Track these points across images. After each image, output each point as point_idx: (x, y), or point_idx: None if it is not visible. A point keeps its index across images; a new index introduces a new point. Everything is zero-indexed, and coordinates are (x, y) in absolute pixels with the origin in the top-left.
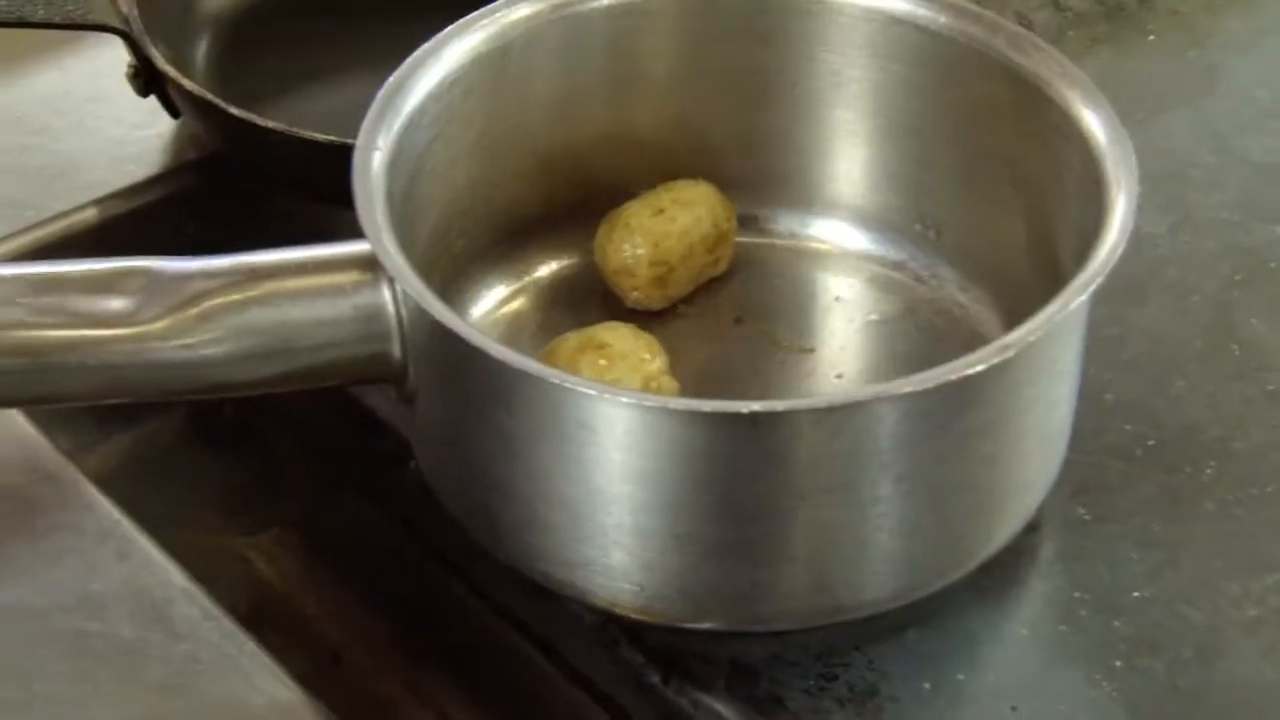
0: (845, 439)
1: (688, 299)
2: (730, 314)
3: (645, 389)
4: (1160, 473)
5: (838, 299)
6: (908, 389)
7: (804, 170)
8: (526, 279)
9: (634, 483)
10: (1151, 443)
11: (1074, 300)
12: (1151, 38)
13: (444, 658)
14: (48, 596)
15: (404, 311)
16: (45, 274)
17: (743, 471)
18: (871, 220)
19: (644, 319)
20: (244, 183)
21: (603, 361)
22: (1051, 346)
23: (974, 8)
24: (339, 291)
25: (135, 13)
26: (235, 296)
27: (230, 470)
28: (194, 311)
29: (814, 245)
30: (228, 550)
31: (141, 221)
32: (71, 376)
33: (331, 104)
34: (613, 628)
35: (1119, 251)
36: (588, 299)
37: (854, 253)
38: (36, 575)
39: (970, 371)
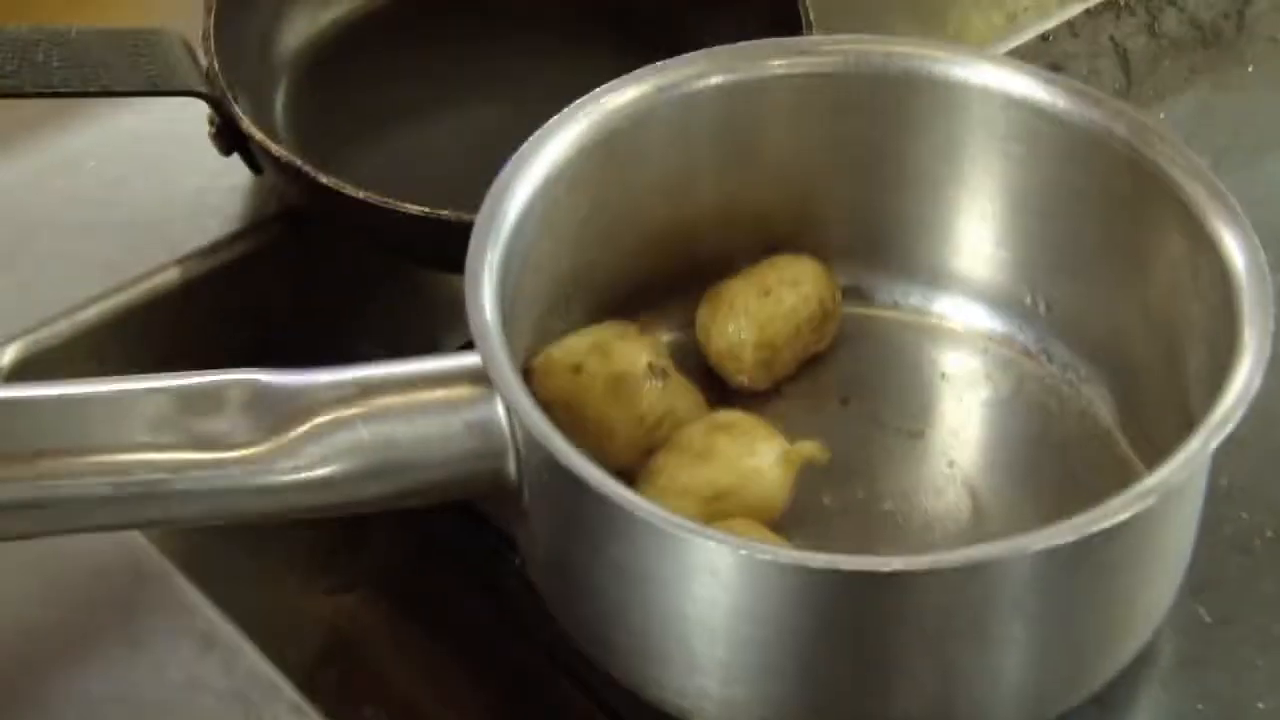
0: (982, 588)
1: (791, 377)
2: (835, 393)
3: (786, 460)
4: None
5: (944, 375)
6: (1049, 543)
7: (910, 242)
8: None
9: (763, 627)
10: (1270, 534)
11: (1213, 441)
12: (1250, 69)
13: None
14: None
15: (519, 433)
16: (155, 389)
17: (877, 621)
18: (979, 293)
19: (748, 399)
20: (329, 238)
21: (735, 444)
22: (1189, 484)
23: (1095, 92)
24: (451, 407)
25: (215, 66)
26: (343, 414)
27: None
28: (301, 431)
29: (919, 318)
30: (309, 611)
31: (225, 280)
32: (176, 503)
33: (419, 146)
34: None
35: (1254, 388)
36: (689, 377)
37: (961, 326)
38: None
39: (1111, 522)
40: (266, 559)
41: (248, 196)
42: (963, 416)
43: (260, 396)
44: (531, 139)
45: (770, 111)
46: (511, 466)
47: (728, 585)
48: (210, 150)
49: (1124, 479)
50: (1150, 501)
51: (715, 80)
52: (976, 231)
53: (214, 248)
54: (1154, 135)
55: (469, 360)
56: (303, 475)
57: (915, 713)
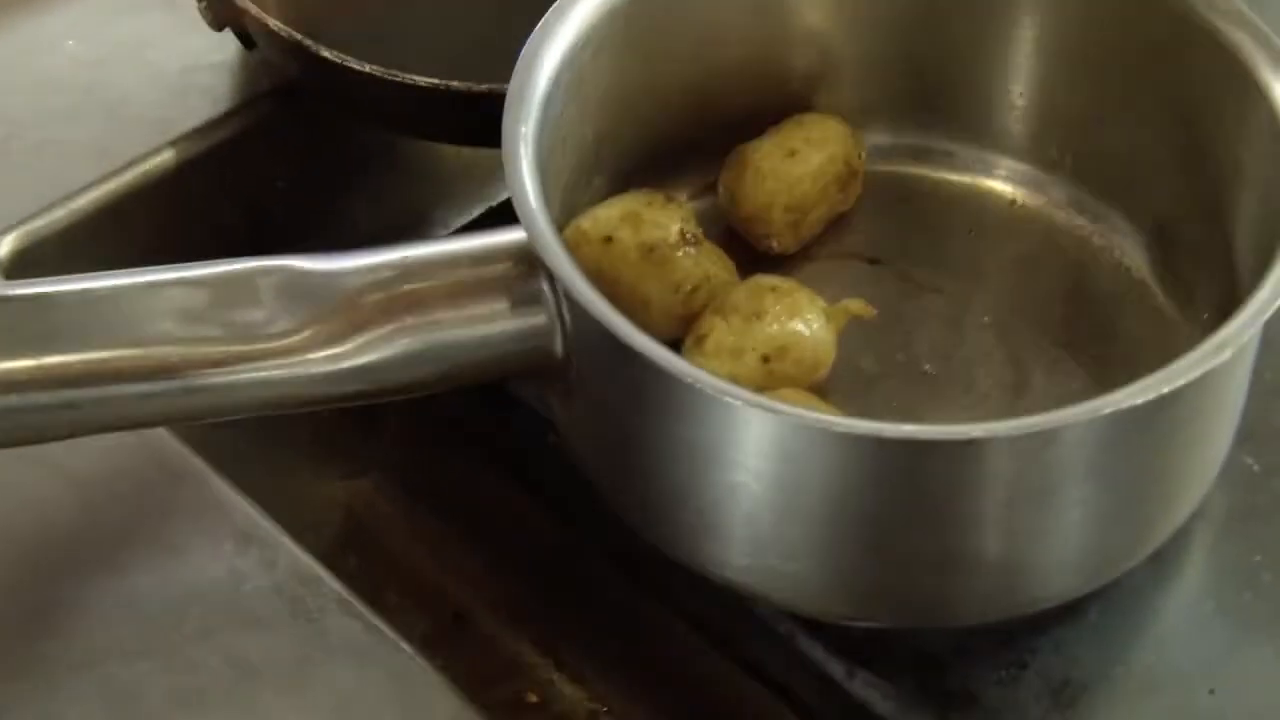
0: (1056, 452)
1: (818, 238)
2: (864, 254)
3: (832, 316)
4: None
5: (972, 231)
6: (1127, 403)
7: (932, 97)
8: None
9: (834, 504)
10: None
11: (1255, 323)
12: None
13: (582, 626)
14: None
15: (566, 309)
16: (184, 279)
17: (952, 489)
18: (1004, 146)
19: (775, 263)
20: (323, 114)
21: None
22: (1253, 342)
23: None
24: (494, 286)
25: None
26: (383, 297)
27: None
28: (341, 318)
29: (944, 174)
30: (325, 496)
31: (218, 160)
32: (217, 396)
33: (410, 13)
34: (790, 620)
35: None
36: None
37: (986, 181)
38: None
39: (1186, 379)
40: (277, 444)
41: (236, 73)
42: (994, 272)
43: (296, 283)
44: (555, 5)
45: None
46: (558, 344)
47: (796, 459)
48: (193, 26)
49: (1161, 330)
50: (1225, 356)
51: None
52: (1000, 83)
53: (207, 127)
54: None
55: (510, 237)
56: (346, 364)
57: (984, 579)
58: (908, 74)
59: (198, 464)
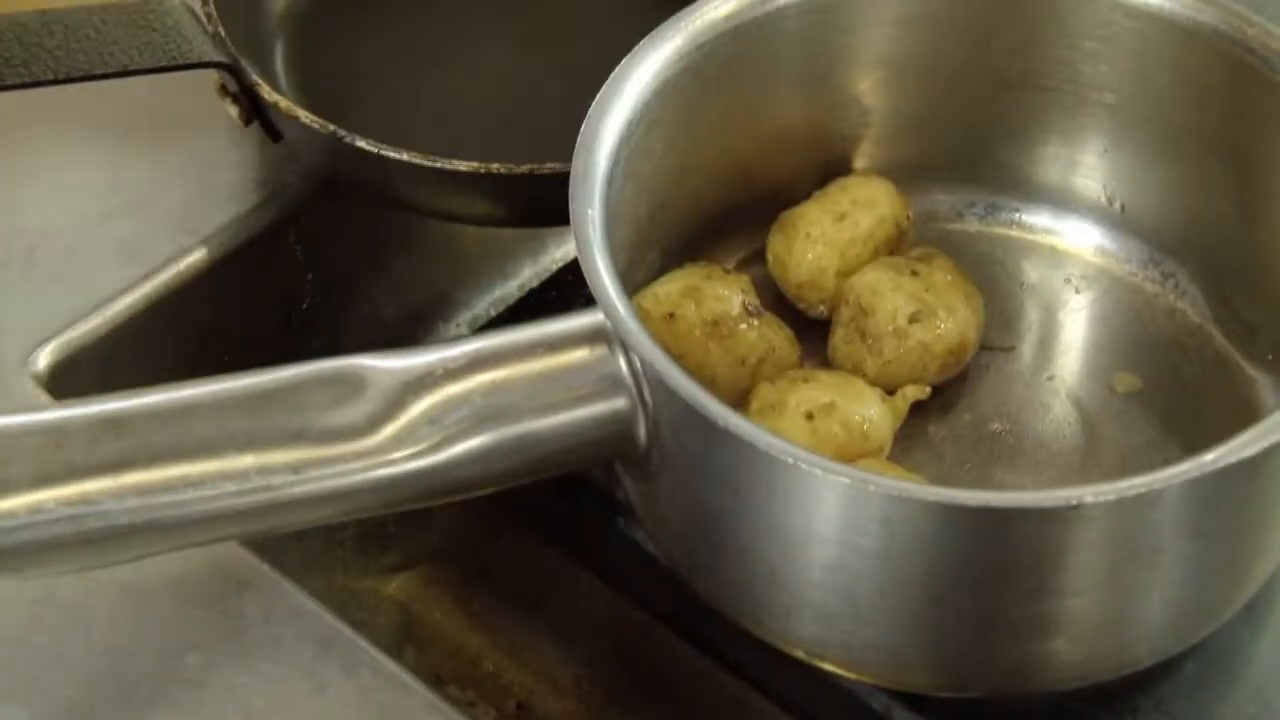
0: (1161, 511)
1: None
2: None
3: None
4: None
5: (1024, 285)
6: (1230, 459)
7: (975, 150)
8: None
9: (935, 575)
10: None
11: None
12: None
13: (654, 710)
14: None
15: (648, 391)
16: (255, 386)
17: (1055, 555)
18: (1050, 197)
19: (825, 327)
20: (349, 200)
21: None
22: None
23: None
24: (571, 372)
25: (222, 32)
26: (457, 389)
27: None
28: (417, 412)
29: (990, 229)
30: (376, 591)
31: (251, 256)
32: (299, 505)
33: (432, 92)
34: (885, 695)
35: None
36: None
37: (1031, 231)
38: None
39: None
40: (322, 540)
41: (259, 166)
42: (1051, 326)
43: (367, 381)
44: (610, 81)
45: (838, 31)
46: (641, 428)
47: (896, 533)
48: (211, 121)
49: (1225, 374)
50: None
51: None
52: (1045, 131)
53: (238, 222)
54: (1244, 21)
55: (583, 321)
56: (425, 461)
57: (1082, 643)
58: (951, 132)
59: (265, 570)
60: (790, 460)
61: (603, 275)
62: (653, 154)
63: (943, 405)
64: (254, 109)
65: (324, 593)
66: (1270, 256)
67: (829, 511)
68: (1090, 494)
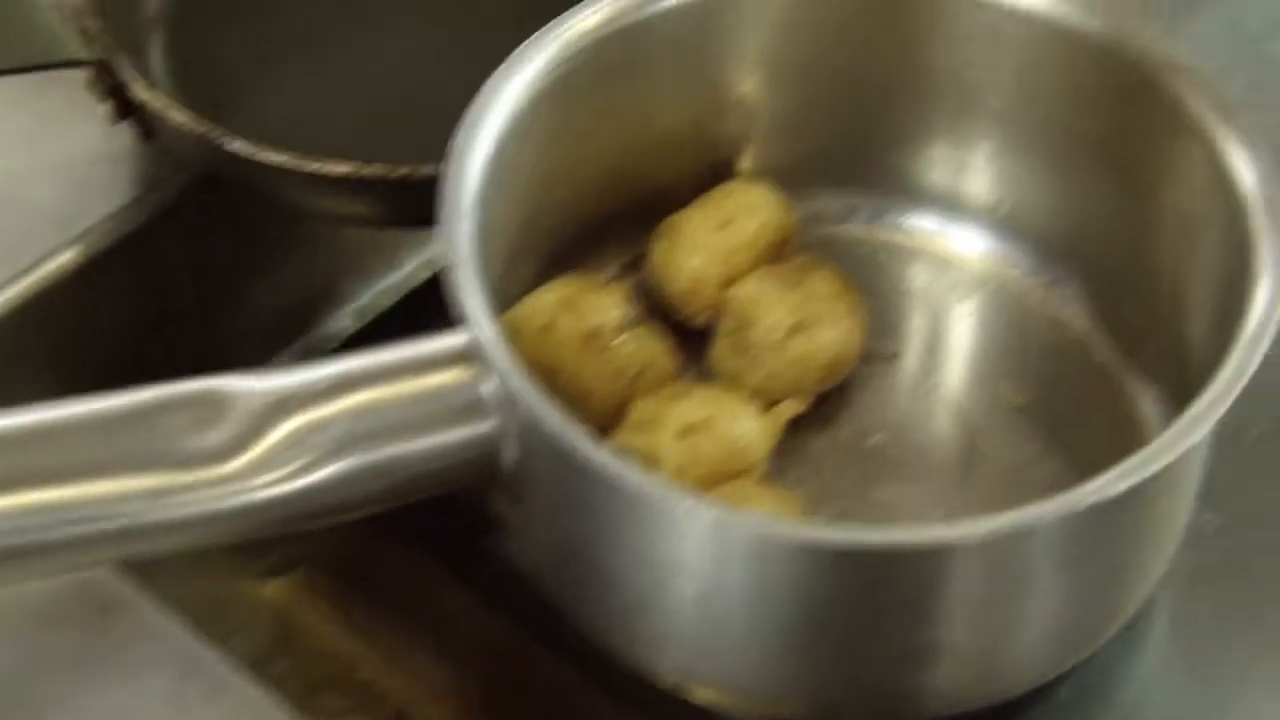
0: (1031, 546)
1: None
2: None
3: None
4: None
5: (909, 292)
6: (1102, 495)
7: (860, 154)
8: None
9: (806, 610)
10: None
11: (1228, 396)
12: None
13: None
14: None
15: (515, 416)
16: (110, 411)
17: (922, 591)
18: (935, 201)
19: (707, 335)
20: (228, 196)
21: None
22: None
23: None
24: (438, 394)
25: (98, 26)
26: (321, 413)
27: None
28: (278, 437)
29: (874, 234)
30: (251, 595)
31: (130, 256)
32: (153, 535)
33: (316, 85)
34: None
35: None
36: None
37: (917, 236)
38: None
39: (1160, 465)
40: None
41: (135, 162)
42: (936, 334)
43: (229, 403)
44: (482, 92)
45: (723, 33)
46: (508, 451)
47: (756, 568)
48: (83, 117)
49: (1110, 384)
50: (1197, 437)
51: (670, 2)
52: (930, 135)
53: (112, 221)
54: (1130, 31)
55: (450, 341)
56: (287, 486)
57: (955, 673)
58: (836, 134)
59: (128, 590)
60: (653, 497)
61: (470, 295)
62: (525, 165)
63: (823, 417)
64: (125, 107)
65: (197, 596)
66: (1155, 265)
67: (695, 546)
68: (958, 534)
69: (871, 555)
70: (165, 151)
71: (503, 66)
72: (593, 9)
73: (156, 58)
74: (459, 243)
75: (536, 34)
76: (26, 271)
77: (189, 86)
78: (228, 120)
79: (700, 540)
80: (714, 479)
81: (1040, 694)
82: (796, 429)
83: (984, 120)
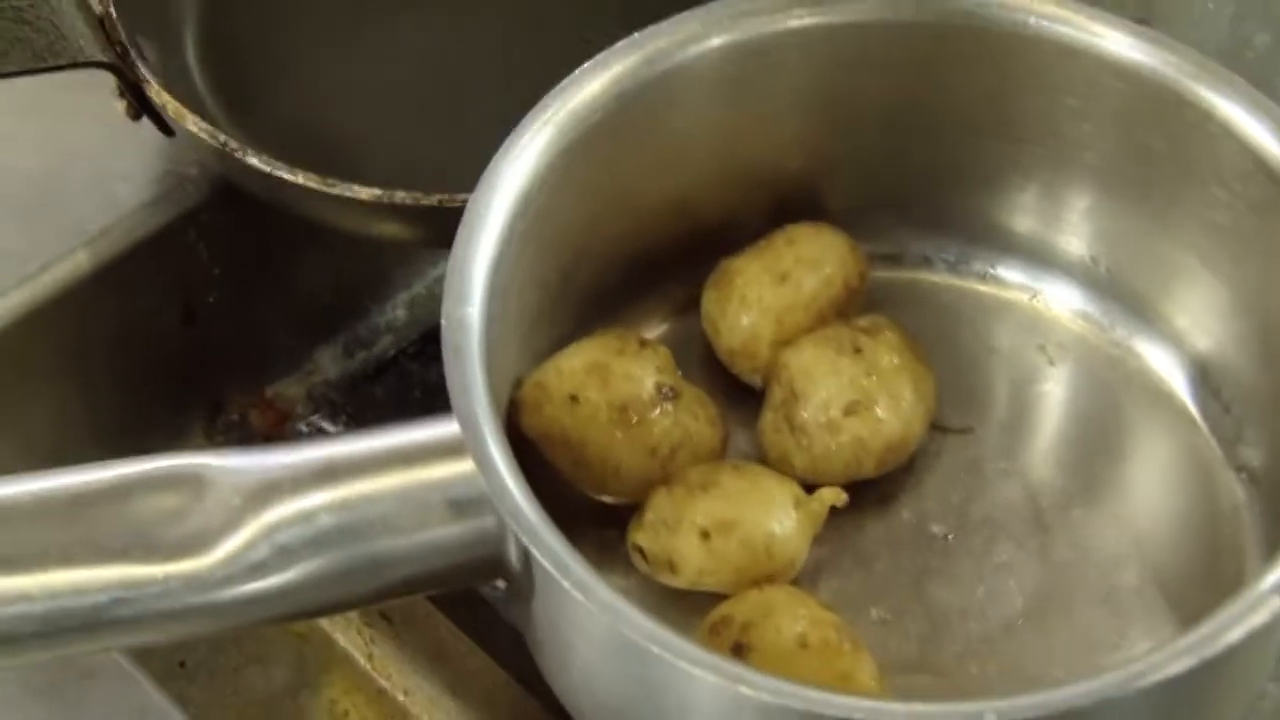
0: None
1: None
2: None
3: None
4: None
5: (992, 350)
6: (1165, 673)
7: (947, 198)
8: None
9: None
10: None
11: None
12: None
13: None
14: None
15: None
16: (79, 490)
17: None
18: (1030, 253)
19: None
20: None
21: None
22: None
23: (1168, 41)
24: (436, 488)
25: (116, 22)
26: (307, 504)
27: None
28: (256, 530)
29: (959, 281)
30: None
31: (141, 257)
32: (112, 631)
33: (348, 83)
34: None
35: None
36: (690, 362)
37: (1009, 289)
38: None
39: (1231, 641)
40: None
41: (157, 157)
42: (1017, 405)
43: (206, 488)
44: (502, 148)
45: (776, 72)
46: (512, 550)
47: None
48: (105, 110)
49: (1206, 476)
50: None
51: (714, 42)
52: (1019, 181)
53: (127, 223)
54: (1251, 101)
55: (448, 429)
56: (262, 584)
57: None
58: (915, 173)
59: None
60: (652, 647)
61: (471, 395)
62: (561, 214)
63: (881, 497)
64: (142, 105)
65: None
66: (1267, 352)
67: (697, 697)
68: (994, 712)
69: None
70: (188, 149)
71: (524, 122)
72: (622, 51)
73: (191, 52)
74: (460, 327)
75: (560, 85)
76: (41, 273)
77: (223, 80)
78: (260, 112)
79: (702, 694)
80: (741, 582)
81: None
82: (849, 511)
83: (1081, 173)
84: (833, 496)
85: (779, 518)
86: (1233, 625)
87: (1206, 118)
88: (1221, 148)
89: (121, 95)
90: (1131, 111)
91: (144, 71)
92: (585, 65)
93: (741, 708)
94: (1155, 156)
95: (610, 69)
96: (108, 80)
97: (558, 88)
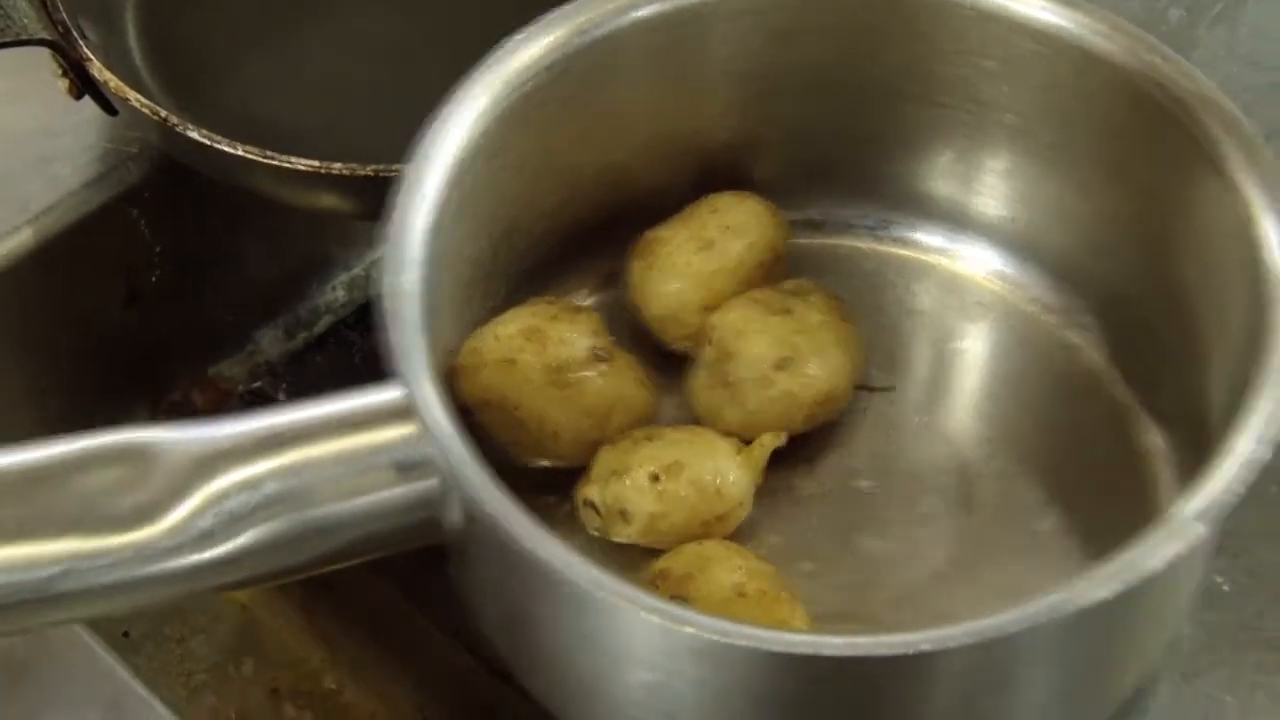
0: (1012, 649)
1: None
2: None
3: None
4: None
5: (912, 312)
6: (1091, 597)
7: (863, 162)
8: None
9: (763, 710)
10: None
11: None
12: None
13: None
14: None
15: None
16: (27, 466)
17: (893, 696)
18: (950, 216)
19: (688, 359)
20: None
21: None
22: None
23: (1082, 1)
24: (379, 452)
25: (60, 8)
26: (252, 471)
27: None
28: (202, 499)
29: (877, 246)
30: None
31: (85, 235)
32: (63, 605)
33: (293, 60)
34: None
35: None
36: (616, 333)
37: (929, 253)
38: None
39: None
40: None
41: (99, 136)
42: (937, 363)
43: (153, 460)
44: (437, 115)
45: (703, 42)
46: (455, 511)
47: (719, 669)
48: (47, 90)
49: (1123, 427)
50: (1201, 531)
51: (643, 13)
52: (939, 145)
53: (72, 199)
54: (1157, 54)
55: (390, 394)
56: (211, 553)
57: None
58: (836, 141)
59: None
60: (597, 593)
61: (413, 358)
62: (493, 184)
63: (809, 456)
64: (84, 83)
65: None
66: (1175, 306)
67: (641, 641)
68: (928, 641)
69: (828, 663)
70: (131, 127)
71: (459, 87)
72: (555, 22)
73: (132, 32)
74: (399, 293)
75: (492, 53)
76: None
77: (164, 61)
78: (202, 94)
79: (646, 637)
80: (692, 526)
81: None
82: (779, 469)
83: (999, 135)
84: (773, 440)
85: (726, 459)
86: (1155, 551)
87: (1121, 78)
88: (1137, 107)
89: (64, 74)
90: (1048, 74)
91: (85, 50)
92: (517, 35)
93: (687, 649)
94: (1071, 118)
95: (541, 39)
96: (48, 61)
97: (490, 56)
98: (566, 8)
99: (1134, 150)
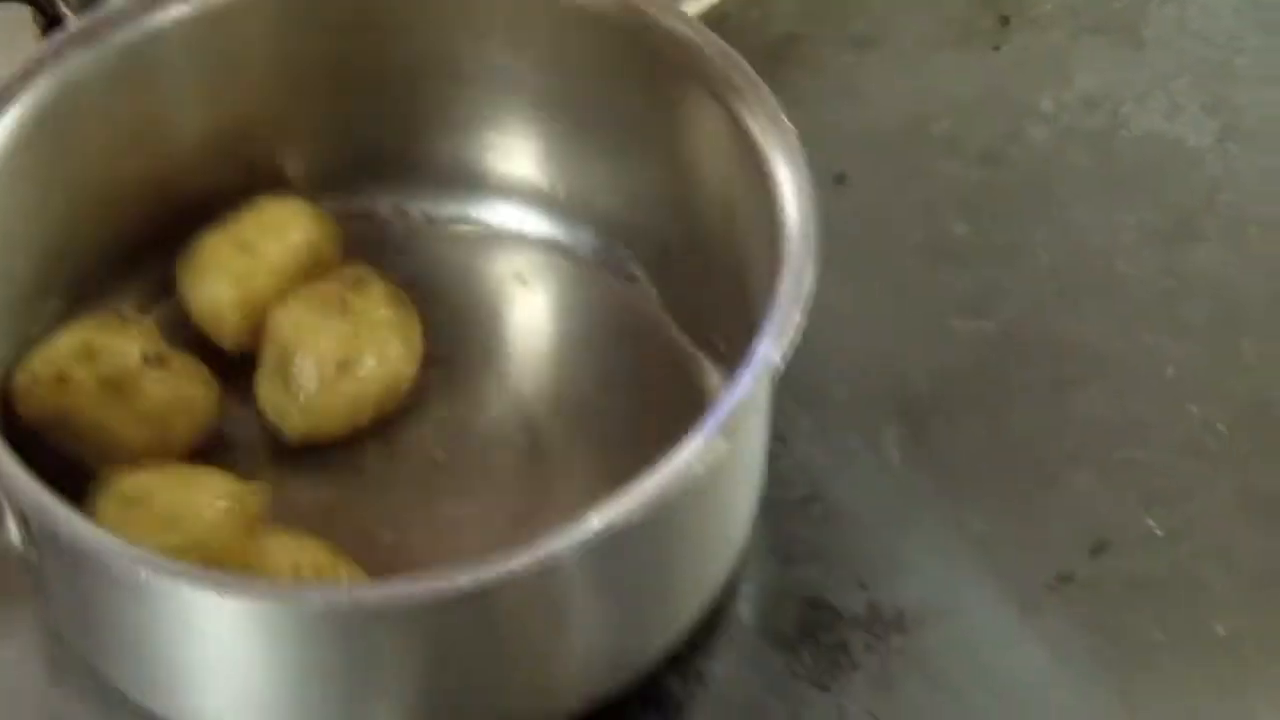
0: (554, 576)
1: None
2: None
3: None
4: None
5: (469, 285)
6: (612, 522)
7: (404, 149)
8: None
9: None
10: (1222, 428)
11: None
12: None
13: None
14: None
15: None
16: None
17: (445, 629)
18: (495, 190)
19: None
20: None
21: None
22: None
23: None
24: None
25: None
26: None
27: None
28: None
29: (433, 227)
30: None
31: None
32: None
33: None
34: None
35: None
36: (182, 340)
37: (479, 227)
38: None
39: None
40: None
41: None
42: (500, 330)
43: None
44: None
45: (235, 39)
46: (19, 535)
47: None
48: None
49: (682, 367)
50: (722, 450)
51: (174, 13)
52: (471, 123)
53: None
54: (654, 8)
55: None
56: None
57: (506, 703)
58: (373, 131)
59: None
60: (144, 574)
61: None
62: (25, 204)
63: (384, 435)
64: None
65: None
66: (710, 246)
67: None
68: (445, 584)
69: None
70: None
71: None
72: (84, 32)
73: None
74: None
75: (15, 71)
76: None
77: None
78: None
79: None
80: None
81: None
82: (355, 453)
83: (526, 105)
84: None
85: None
86: (675, 469)
87: (625, 36)
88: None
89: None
90: (555, 39)
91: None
92: (32, 52)
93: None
94: (584, 81)
95: (69, 52)
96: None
97: (10, 76)
98: (91, 15)
99: (642, 99)
